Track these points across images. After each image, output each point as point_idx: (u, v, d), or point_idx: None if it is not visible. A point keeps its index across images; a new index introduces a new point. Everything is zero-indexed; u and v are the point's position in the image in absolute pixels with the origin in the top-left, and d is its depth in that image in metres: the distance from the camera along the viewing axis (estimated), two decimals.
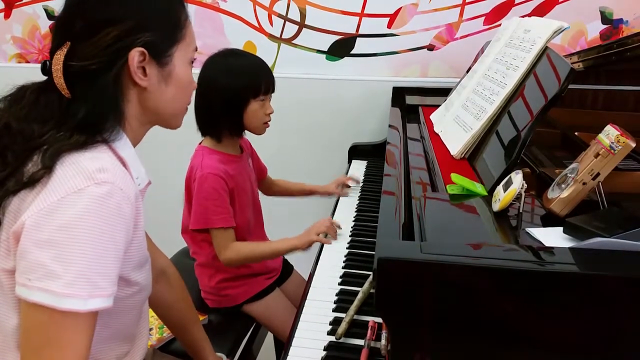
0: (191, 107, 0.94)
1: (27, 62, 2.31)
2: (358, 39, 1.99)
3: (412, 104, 1.79)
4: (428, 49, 1.96)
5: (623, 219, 0.75)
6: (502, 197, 0.81)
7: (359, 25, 1.98)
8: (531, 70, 1.10)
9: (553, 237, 0.72)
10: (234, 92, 1.26)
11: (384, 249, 0.68)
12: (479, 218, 0.86)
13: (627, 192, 0.95)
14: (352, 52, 2.01)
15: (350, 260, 1.24)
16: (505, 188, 0.82)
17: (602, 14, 1.81)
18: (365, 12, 1.96)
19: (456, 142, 1.20)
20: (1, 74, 2.28)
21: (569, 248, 0.68)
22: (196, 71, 1.00)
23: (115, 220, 0.69)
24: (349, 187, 1.69)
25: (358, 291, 1.03)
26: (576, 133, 1.25)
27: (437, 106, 1.56)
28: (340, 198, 1.63)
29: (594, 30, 1.83)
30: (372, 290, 1.01)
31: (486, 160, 1.07)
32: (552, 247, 0.69)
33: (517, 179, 0.81)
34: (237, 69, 1.28)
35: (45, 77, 0.77)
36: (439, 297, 0.65)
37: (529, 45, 1.14)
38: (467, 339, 0.67)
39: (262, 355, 1.57)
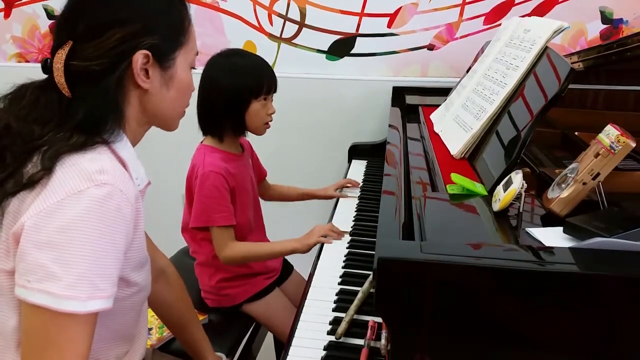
0: (191, 107, 0.94)
1: (27, 61, 2.30)
2: (358, 38, 1.99)
3: (412, 103, 1.79)
4: (428, 49, 1.96)
5: (623, 219, 0.75)
6: (502, 197, 0.81)
7: (359, 25, 1.98)
8: (531, 70, 1.10)
9: (553, 237, 0.72)
10: (236, 92, 1.27)
11: (384, 248, 0.68)
12: (479, 218, 0.86)
13: (627, 192, 0.95)
14: (352, 51, 2.02)
15: (350, 260, 1.24)
16: (505, 188, 0.82)
17: (602, 13, 1.81)
18: (365, 11, 1.96)
19: (456, 141, 1.20)
20: (1, 74, 2.28)
21: (569, 248, 0.68)
22: (198, 71, 1.00)
23: (115, 221, 0.69)
24: (349, 187, 1.69)
25: (358, 291, 1.03)
26: (576, 133, 1.25)
27: (437, 106, 1.56)
28: (340, 198, 1.63)
29: (594, 30, 1.83)
30: (372, 290, 1.01)
31: (486, 160, 1.07)
32: (552, 247, 0.69)
33: (517, 178, 0.81)
34: (240, 69, 1.28)
35: (45, 76, 0.77)
36: (439, 297, 0.65)
37: (529, 45, 1.14)
38: (467, 338, 0.67)
39: (262, 355, 1.57)
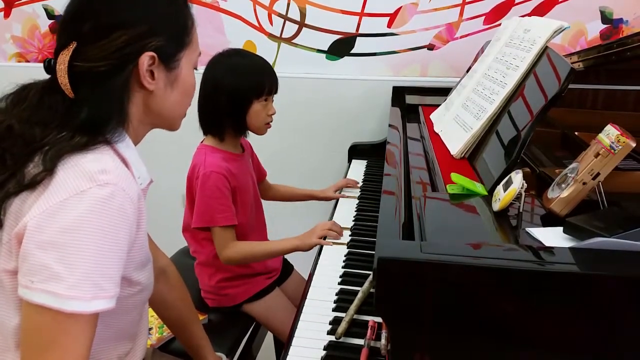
0: (192, 107, 0.94)
1: (27, 61, 2.30)
2: (358, 38, 1.99)
3: (412, 103, 1.79)
4: (428, 49, 1.96)
5: (623, 219, 0.75)
6: (502, 197, 0.81)
7: (359, 25, 1.98)
8: (531, 69, 1.10)
9: (553, 237, 0.73)
10: (237, 92, 1.27)
11: (384, 248, 0.68)
12: (479, 218, 0.86)
13: (627, 192, 0.95)
14: (352, 51, 2.01)
15: (350, 260, 1.24)
16: (505, 188, 0.82)
17: (602, 13, 1.81)
18: (365, 11, 1.96)
19: (456, 141, 1.20)
20: (1, 74, 2.28)
21: (569, 248, 0.68)
22: (200, 71, 1.00)
23: (118, 221, 0.69)
24: (349, 188, 1.69)
25: (358, 291, 1.03)
26: (576, 133, 1.25)
27: (437, 106, 1.56)
28: (340, 198, 1.63)
29: (594, 30, 1.83)
30: (372, 290, 1.01)
31: (486, 160, 1.07)
32: (552, 247, 0.69)
33: (517, 178, 0.81)
34: (241, 69, 1.28)
35: (47, 76, 0.77)
36: (439, 297, 0.65)
37: (529, 44, 1.14)
38: (467, 338, 0.67)
39: (262, 355, 1.57)
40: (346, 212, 1.50)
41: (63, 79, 0.73)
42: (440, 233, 0.78)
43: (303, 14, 2.00)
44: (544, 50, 1.10)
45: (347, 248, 1.30)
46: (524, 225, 0.80)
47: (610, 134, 0.77)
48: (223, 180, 1.27)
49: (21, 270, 0.67)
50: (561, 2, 1.82)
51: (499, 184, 0.86)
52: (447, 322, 0.66)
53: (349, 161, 1.94)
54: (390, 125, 1.56)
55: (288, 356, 0.93)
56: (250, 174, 1.42)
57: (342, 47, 2.02)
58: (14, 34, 2.27)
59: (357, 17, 1.97)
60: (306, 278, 1.21)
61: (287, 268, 1.58)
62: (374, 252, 0.69)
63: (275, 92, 1.33)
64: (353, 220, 1.45)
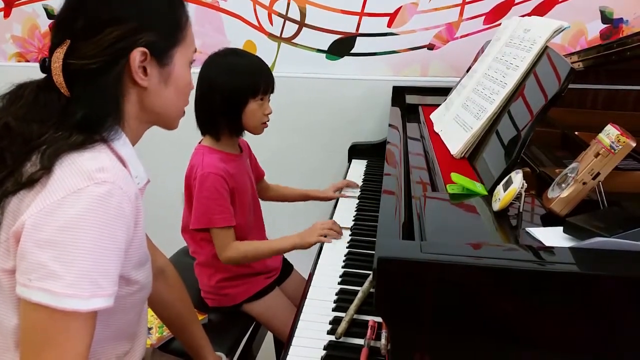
0: (190, 107, 0.94)
1: (27, 61, 2.30)
2: (358, 38, 1.99)
3: (412, 103, 1.79)
4: (428, 48, 1.96)
5: (623, 219, 0.75)
6: (502, 197, 0.81)
7: (359, 25, 1.97)
8: (531, 69, 1.10)
9: (553, 237, 0.72)
10: (233, 91, 1.26)
11: (384, 248, 0.68)
12: (479, 218, 0.86)
13: (627, 192, 0.95)
14: (352, 51, 2.01)
15: (350, 260, 1.24)
16: (505, 187, 0.82)
17: (602, 13, 1.81)
18: (365, 11, 1.96)
19: (456, 141, 1.20)
20: (1, 73, 2.28)
21: (569, 248, 0.68)
22: (196, 70, 1.00)
23: (116, 219, 0.69)
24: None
25: (358, 290, 1.03)
26: (576, 133, 1.25)
27: (437, 105, 1.56)
28: (340, 198, 1.63)
29: (594, 29, 1.83)
30: (372, 290, 1.01)
31: (486, 160, 1.07)
32: (552, 247, 0.69)
33: (517, 178, 0.81)
34: (237, 69, 1.28)
35: (44, 75, 0.77)
36: (439, 297, 0.65)
37: (529, 44, 1.14)
38: (467, 338, 0.67)
39: (262, 355, 1.57)
40: (346, 212, 1.50)
41: (58, 77, 0.73)
42: (440, 233, 0.78)
43: (303, 14, 2.00)
44: (544, 50, 1.10)
45: (347, 248, 1.30)
46: (524, 225, 0.80)
47: (610, 133, 0.77)
48: (221, 181, 1.27)
49: (19, 269, 0.67)
50: (561, 2, 1.82)
51: (499, 183, 0.86)
52: (447, 322, 0.66)
53: (349, 161, 1.93)
54: (390, 125, 1.56)
55: (288, 356, 0.93)
56: (248, 174, 1.42)
57: (342, 47, 2.02)
58: (14, 34, 2.27)
59: (357, 17, 1.97)
60: (306, 278, 1.21)
61: (287, 268, 1.58)
62: (374, 252, 0.69)
63: (272, 92, 1.33)
64: (353, 220, 1.45)
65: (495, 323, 0.66)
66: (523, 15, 1.74)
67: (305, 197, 1.69)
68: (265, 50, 2.05)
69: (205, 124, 1.33)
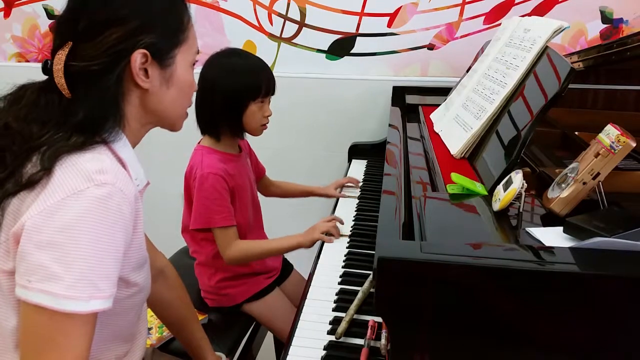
0: (191, 107, 0.94)
1: (27, 61, 2.30)
2: (358, 38, 1.99)
3: (412, 103, 1.79)
4: (428, 48, 1.96)
5: (623, 219, 0.75)
6: (502, 197, 0.81)
7: (359, 25, 1.97)
8: (531, 69, 1.10)
9: (553, 237, 0.72)
10: (233, 92, 1.26)
11: (384, 248, 0.68)
12: (479, 218, 0.86)
13: (627, 192, 0.95)
14: (352, 51, 2.01)
15: (350, 260, 1.24)
16: (506, 187, 0.82)
17: (602, 13, 1.81)
18: (365, 11, 1.96)
19: (456, 141, 1.20)
20: (1, 73, 2.28)
21: (569, 248, 0.67)
22: (197, 71, 1.00)
23: (116, 221, 0.69)
24: (350, 187, 1.69)
25: (358, 290, 1.03)
26: (576, 133, 1.25)
27: (437, 105, 1.56)
28: (340, 197, 1.63)
29: (594, 29, 1.83)
30: (372, 290, 1.01)
31: (486, 160, 1.07)
32: (552, 247, 0.69)
33: (517, 178, 0.81)
34: (239, 70, 1.28)
35: (45, 77, 0.77)
36: (439, 297, 0.65)
37: (529, 44, 1.14)
38: (467, 338, 0.67)
39: (262, 355, 1.57)
40: (346, 212, 1.50)
41: (60, 79, 0.73)
42: (440, 233, 0.78)
43: (303, 14, 2.00)
44: (544, 50, 1.10)
45: (347, 248, 1.30)
46: (524, 225, 0.80)
47: (610, 133, 0.77)
48: (221, 181, 1.27)
49: (19, 270, 0.67)
50: (561, 2, 1.82)
51: (499, 183, 0.86)
52: (447, 322, 0.66)
53: (349, 161, 1.94)
54: (390, 125, 1.56)
55: (288, 356, 0.93)
56: (248, 174, 1.42)
57: (342, 47, 2.01)
58: (14, 34, 2.27)
59: (357, 17, 1.97)
60: (306, 278, 1.21)
61: (287, 268, 1.58)
62: (374, 252, 0.69)
63: (272, 94, 1.33)
64: (353, 220, 1.45)
65: (495, 323, 0.65)
66: (523, 15, 1.74)
67: (307, 194, 1.69)
68: (265, 50, 2.05)
69: (206, 124, 1.33)
